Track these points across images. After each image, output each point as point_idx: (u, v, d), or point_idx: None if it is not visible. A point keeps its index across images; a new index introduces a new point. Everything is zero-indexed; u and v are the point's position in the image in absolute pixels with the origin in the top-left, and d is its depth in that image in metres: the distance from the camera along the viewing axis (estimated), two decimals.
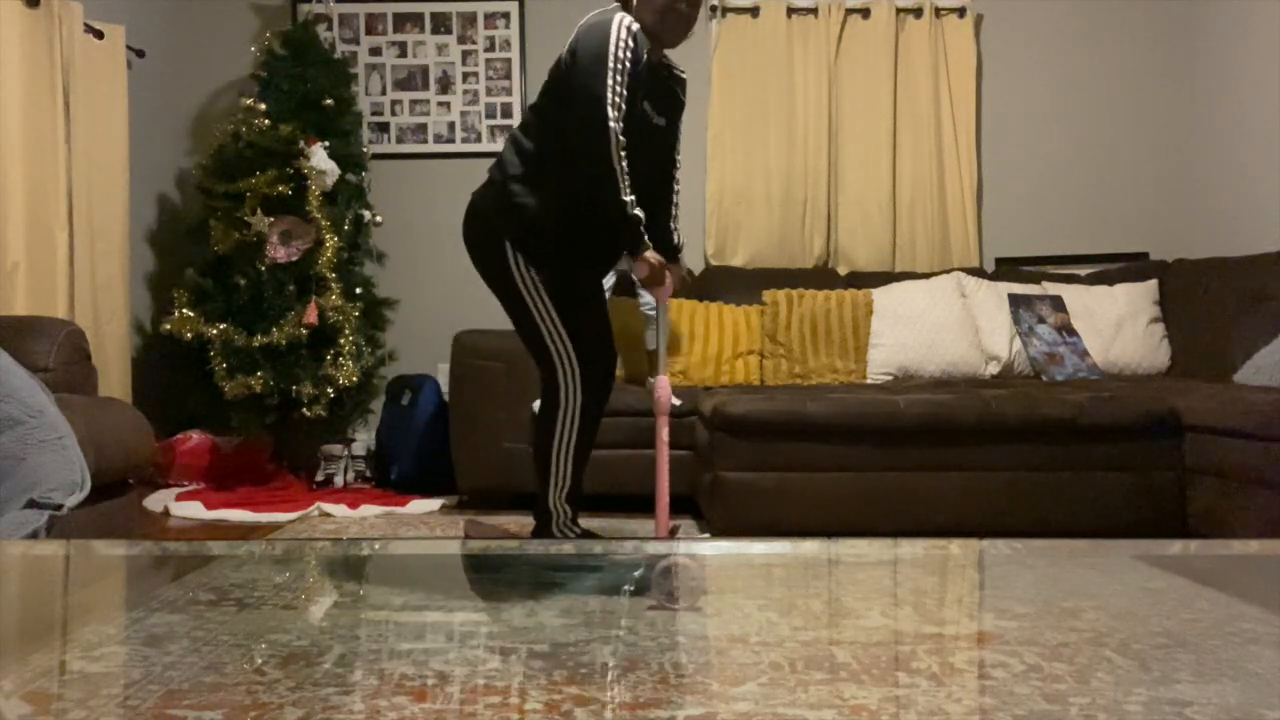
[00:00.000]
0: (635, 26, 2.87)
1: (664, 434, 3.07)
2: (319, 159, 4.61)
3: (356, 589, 1.17)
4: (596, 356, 3.00)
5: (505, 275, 2.97)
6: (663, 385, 3.12)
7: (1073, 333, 4.63)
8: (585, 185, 2.89)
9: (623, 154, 2.80)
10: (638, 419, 4.08)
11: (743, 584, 1.20)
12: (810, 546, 1.31)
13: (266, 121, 4.62)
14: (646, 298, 4.46)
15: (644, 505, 4.11)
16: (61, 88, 4.07)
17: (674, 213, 3.23)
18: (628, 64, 2.82)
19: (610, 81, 2.78)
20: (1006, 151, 5.24)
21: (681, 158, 3.26)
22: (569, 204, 2.94)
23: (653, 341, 4.29)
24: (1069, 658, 0.88)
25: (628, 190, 2.83)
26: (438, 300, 5.16)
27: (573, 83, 2.85)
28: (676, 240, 3.23)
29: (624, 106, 2.82)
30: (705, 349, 4.61)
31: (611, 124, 2.77)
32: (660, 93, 3.02)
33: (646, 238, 2.92)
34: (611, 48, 2.80)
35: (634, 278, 3.02)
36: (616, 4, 2.95)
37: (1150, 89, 5.24)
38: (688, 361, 4.60)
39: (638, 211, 2.87)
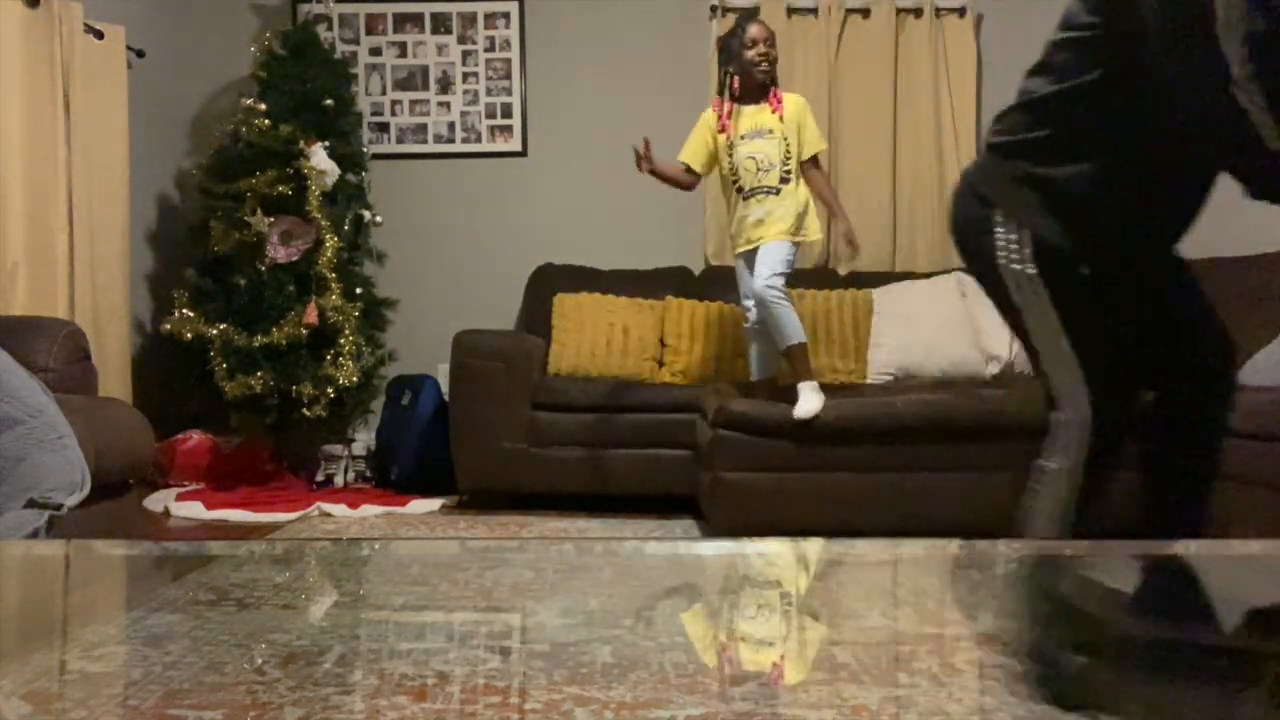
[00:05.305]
0: None
1: None
2: (319, 159, 4.62)
3: (356, 589, 1.17)
4: (1110, 367, 2.24)
5: (991, 270, 2.21)
6: None
7: None
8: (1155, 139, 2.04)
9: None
10: (640, 416, 4.08)
11: (743, 584, 1.20)
12: (810, 546, 1.31)
13: (266, 121, 4.63)
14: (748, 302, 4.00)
15: (643, 506, 4.11)
16: (61, 88, 4.07)
17: None
18: None
19: None
20: None
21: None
22: (1117, 165, 2.11)
23: None
24: None
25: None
26: (438, 300, 5.17)
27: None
28: None
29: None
30: (705, 349, 4.61)
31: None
32: None
33: None
34: None
35: None
36: None
37: None
38: (688, 361, 4.60)
39: None
